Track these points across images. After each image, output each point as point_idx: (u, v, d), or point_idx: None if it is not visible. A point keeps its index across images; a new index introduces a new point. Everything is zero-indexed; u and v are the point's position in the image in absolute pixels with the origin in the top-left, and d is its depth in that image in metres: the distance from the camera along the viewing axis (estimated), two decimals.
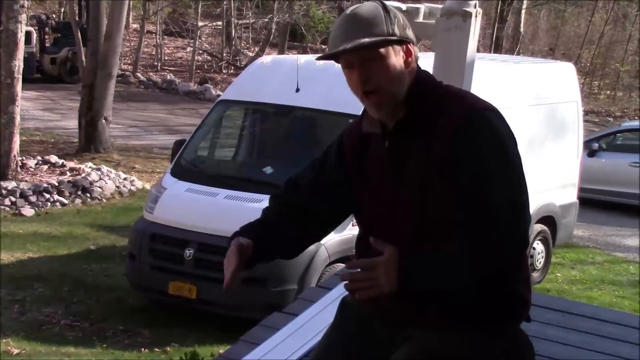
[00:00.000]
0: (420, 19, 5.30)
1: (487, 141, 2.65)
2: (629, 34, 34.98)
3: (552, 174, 10.93)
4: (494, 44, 26.87)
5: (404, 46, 2.75)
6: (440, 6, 5.08)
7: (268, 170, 9.13)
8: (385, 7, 2.73)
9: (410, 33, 2.77)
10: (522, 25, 30.99)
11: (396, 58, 2.72)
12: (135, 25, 34.15)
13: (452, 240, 2.65)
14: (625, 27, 35.94)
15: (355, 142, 2.93)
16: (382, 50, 2.70)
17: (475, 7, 4.87)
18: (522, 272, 2.86)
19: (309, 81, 9.01)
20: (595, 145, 15.98)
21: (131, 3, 26.57)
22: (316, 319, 4.35)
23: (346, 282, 2.69)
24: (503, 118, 2.75)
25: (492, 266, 2.69)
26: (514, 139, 2.73)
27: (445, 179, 2.66)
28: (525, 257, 2.94)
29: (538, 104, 10.81)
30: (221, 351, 7.17)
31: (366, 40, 2.66)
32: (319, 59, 2.79)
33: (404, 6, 5.33)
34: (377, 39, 2.68)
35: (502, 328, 2.85)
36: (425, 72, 2.84)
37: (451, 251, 2.65)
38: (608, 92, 34.40)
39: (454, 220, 2.67)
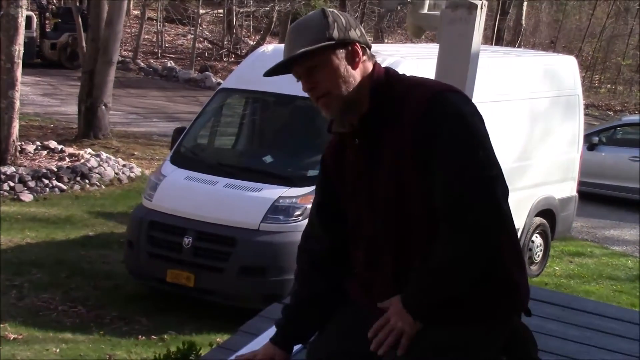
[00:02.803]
0: (425, 10, 5.28)
1: (452, 122, 2.68)
2: (630, 27, 34.93)
3: (552, 167, 10.92)
4: (496, 36, 26.85)
5: (349, 47, 2.76)
6: None
7: (268, 159, 9.11)
8: (324, 13, 2.75)
9: (355, 33, 2.77)
10: (523, 17, 30.94)
11: (339, 61, 2.75)
12: (136, 12, 34.06)
13: (437, 240, 2.69)
14: (627, 20, 35.87)
15: (334, 148, 2.97)
16: (320, 57, 2.73)
17: None
18: (515, 257, 2.87)
19: None
20: (596, 139, 15.98)
21: None
22: None
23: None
24: (466, 97, 2.80)
25: (483, 248, 2.70)
26: (479, 115, 2.75)
27: (417, 166, 2.69)
28: (516, 241, 2.93)
29: (540, 97, 10.79)
30: (219, 340, 7.18)
31: (298, 51, 2.70)
32: (265, 75, 2.81)
33: None
34: (308, 49, 2.70)
35: (502, 320, 2.85)
36: (387, 68, 2.86)
37: (440, 256, 2.69)
38: (609, 85, 34.36)
39: (432, 210, 2.70)
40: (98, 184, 13.31)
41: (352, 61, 2.76)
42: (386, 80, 2.80)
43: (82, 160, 13.80)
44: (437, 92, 2.74)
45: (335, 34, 2.73)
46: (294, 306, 3.11)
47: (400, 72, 2.90)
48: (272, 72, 2.78)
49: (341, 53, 2.75)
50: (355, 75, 2.76)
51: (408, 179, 2.71)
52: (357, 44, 2.77)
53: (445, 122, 2.66)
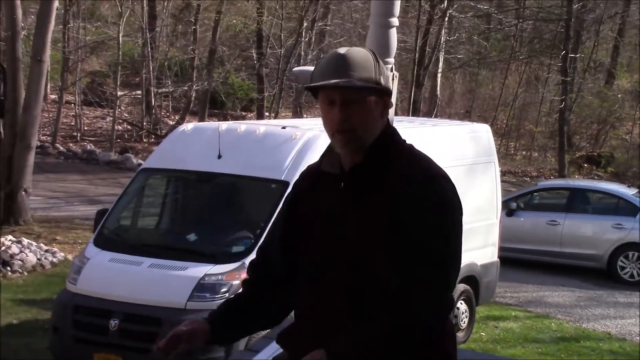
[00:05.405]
0: None
1: (434, 210, 2.77)
2: (541, 95, 35.79)
3: (472, 234, 11.08)
4: (412, 107, 27.29)
5: (384, 98, 2.87)
6: None
7: (192, 237, 9.12)
8: (376, 57, 2.84)
9: (390, 86, 2.89)
10: (438, 88, 31.54)
11: (376, 107, 2.84)
12: (53, 96, 33.83)
13: (384, 306, 2.73)
14: (537, 89, 36.77)
15: (310, 181, 3.01)
16: (366, 95, 2.80)
17: (392, 70, 5.00)
18: (446, 327, 2.95)
19: (231, 148, 9.08)
20: (514, 205, 16.30)
21: (49, 74, 26.30)
22: None
23: None
24: (453, 185, 2.88)
25: (425, 329, 2.77)
26: (461, 207, 2.86)
27: (387, 235, 2.75)
28: (450, 320, 3.03)
29: (457, 165, 10.99)
30: None
31: (357, 82, 2.76)
32: (306, 88, 2.86)
33: None
34: (367, 84, 2.78)
35: None
36: (392, 127, 2.96)
37: (381, 323, 2.73)
38: (524, 152, 35.06)
39: (384, 279, 2.75)
40: (20, 270, 13.11)
41: (383, 112, 2.87)
42: (389, 139, 2.89)
43: (3, 248, 13.58)
44: (430, 175, 2.83)
45: (382, 80, 2.83)
46: (234, 299, 3.22)
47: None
48: (314, 87, 2.81)
49: (379, 100, 2.85)
50: (379, 126, 2.86)
51: (379, 240, 2.77)
52: (390, 96, 2.89)
53: (432, 207, 2.75)
